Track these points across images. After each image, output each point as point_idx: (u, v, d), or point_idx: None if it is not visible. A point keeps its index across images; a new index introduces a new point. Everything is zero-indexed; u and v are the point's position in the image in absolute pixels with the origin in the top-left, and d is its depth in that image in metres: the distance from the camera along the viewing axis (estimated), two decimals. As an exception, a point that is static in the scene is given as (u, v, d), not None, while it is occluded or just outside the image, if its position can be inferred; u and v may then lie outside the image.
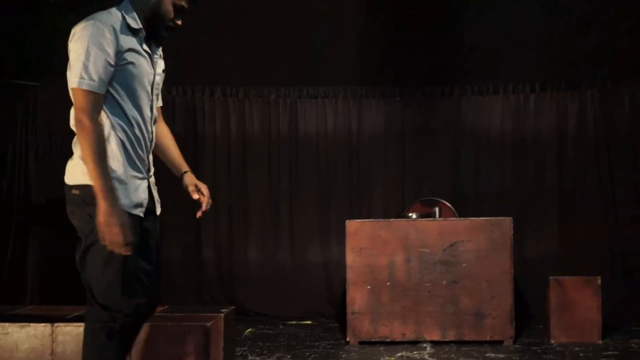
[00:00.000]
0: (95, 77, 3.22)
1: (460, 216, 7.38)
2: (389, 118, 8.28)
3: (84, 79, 3.21)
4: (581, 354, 5.98)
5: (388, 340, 6.46)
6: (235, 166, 8.19)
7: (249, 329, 7.19)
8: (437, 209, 7.10)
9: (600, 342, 6.39)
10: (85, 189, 3.26)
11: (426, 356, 5.99)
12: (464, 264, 6.43)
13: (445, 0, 8.14)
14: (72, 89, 3.24)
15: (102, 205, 3.15)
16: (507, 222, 6.46)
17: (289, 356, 6.03)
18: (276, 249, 8.17)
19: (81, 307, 3.82)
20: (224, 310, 5.55)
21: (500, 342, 6.39)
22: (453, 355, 6.01)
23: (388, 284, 6.47)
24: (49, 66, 7.26)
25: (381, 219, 6.88)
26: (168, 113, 8.21)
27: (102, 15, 3.33)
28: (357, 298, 6.47)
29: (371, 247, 6.49)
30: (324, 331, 7.16)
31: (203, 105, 8.28)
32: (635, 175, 8.04)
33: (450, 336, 6.43)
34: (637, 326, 7.16)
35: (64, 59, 3.35)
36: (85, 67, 3.21)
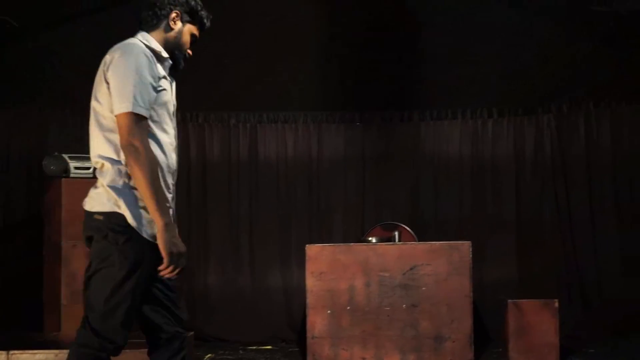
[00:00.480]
0: (144, 103, 3.25)
1: (419, 240, 7.43)
2: (349, 143, 8.33)
3: (135, 103, 3.22)
4: (539, 377, 6.03)
5: (348, 364, 6.46)
6: (195, 191, 8.17)
7: (209, 355, 7.14)
8: (397, 233, 7.14)
9: (558, 364, 6.46)
10: (111, 216, 3.27)
11: (386, 380, 6.00)
12: (423, 288, 6.46)
13: (406, 27, 8.24)
14: (123, 113, 3.22)
15: (164, 226, 3.19)
16: (466, 246, 6.51)
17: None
18: (236, 274, 8.15)
19: (35, 332, 3.78)
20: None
21: (459, 366, 6.42)
22: (413, 379, 6.02)
23: (348, 308, 6.47)
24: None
25: (341, 243, 6.91)
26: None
27: (134, 42, 3.39)
28: (317, 322, 6.46)
29: (331, 271, 6.50)
30: (284, 356, 7.14)
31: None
32: (591, 200, 8.16)
33: (410, 360, 6.46)
34: (594, 349, 7.23)
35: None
36: (136, 92, 3.22)
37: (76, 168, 6.99)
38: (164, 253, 3.21)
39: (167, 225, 3.21)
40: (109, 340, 3.27)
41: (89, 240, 3.35)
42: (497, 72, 8.28)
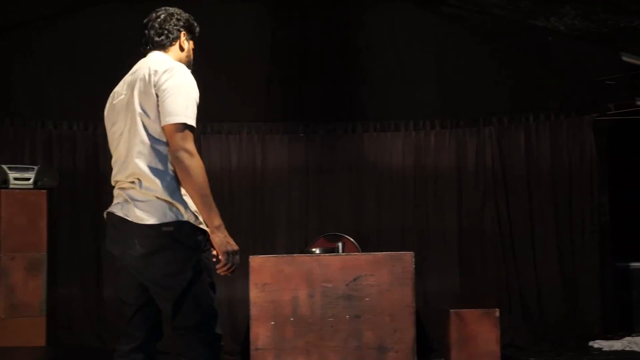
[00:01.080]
0: (194, 116, 3.48)
1: (363, 251, 7.46)
2: (292, 154, 8.34)
3: (187, 116, 3.43)
4: (481, 386, 6.10)
5: (292, 375, 6.46)
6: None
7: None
8: (340, 244, 7.16)
9: (499, 373, 6.53)
10: (179, 225, 3.42)
11: (330, 391, 6.01)
12: (366, 298, 6.49)
13: (349, 39, 8.31)
14: (176, 124, 3.39)
15: (218, 227, 3.45)
16: (408, 256, 6.55)
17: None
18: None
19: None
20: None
21: (402, 376, 6.46)
22: (356, 390, 6.04)
23: (292, 319, 6.47)
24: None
25: (285, 255, 6.90)
26: (70, 149, 8.09)
27: (176, 62, 3.63)
28: (260, 334, 6.45)
29: (275, 282, 6.49)
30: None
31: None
32: (531, 211, 8.28)
33: (354, 370, 6.47)
34: (534, 357, 7.34)
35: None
36: (187, 105, 3.45)
37: (15, 179, 6.89)
38: (220, 252, 3.45)
39: (221, 226, 3.44)
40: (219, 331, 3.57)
41: (149, 255, 3.41)
42: (440, 84, 8.40)
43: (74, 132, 8.12)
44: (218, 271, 3.46)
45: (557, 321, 8.13)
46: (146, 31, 3.75)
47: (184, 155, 3.37)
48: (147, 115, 3.45)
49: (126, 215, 3.45)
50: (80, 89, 8.00)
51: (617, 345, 7.71)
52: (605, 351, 7.58)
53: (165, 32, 3.72)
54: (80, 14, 8.01)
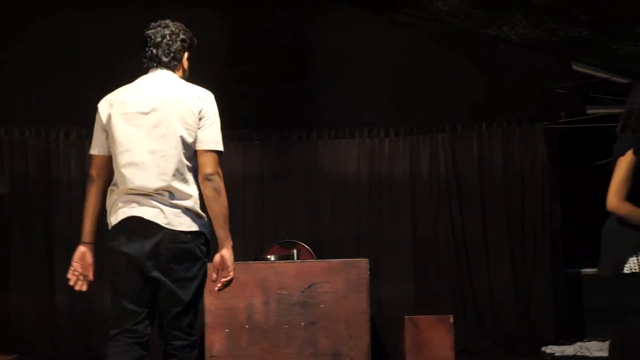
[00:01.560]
0: None
1: (318, 258, 7.47)
2: (247, 161, 8.31)
3: (221, 144, 3.92)
4: (435, 391, 6.13)
5: (247, 383, 6.44)
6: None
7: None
8: (295, 251, 7.16)
9: (453, 378, 6.58)
10: (197, 235, 3.85)
11: (285, 398, 6.00)
12: (321, 305, 6.50)
13: (304, 46, 8.32)
14: (216, 150, 3.88)
15: (231, 245, 3.92)
16: (363, 263, 6.58)
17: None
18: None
19: None
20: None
21: (357, 382, 6.48)
22: (311, 397, 6.03)
23: (247, 326, 6.45)
24: None
25: (239, 262, 6.85)
26: (21, 155, 7.99)
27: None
28: (215, 342, 6.42)
29: (229, 289, 6.38)
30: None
31: (57, 147, 8.08)
32: (484, 218, 8.36)
33: (309, 377, 6.47)
34: (487, 363, 7.42)
35: None
36: (220, 134, 3.92)
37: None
38: (230, 267, 3.90)
39: (231, 243, 3.91)
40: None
41: (171, 258, 3.76)
42: (394, 92, 8.44)
43: (25, 139, 8.02)
44: (221, 282, 3.92)
45: (510, 327, 8.20)
46: (152, 49, 3.99)
47: (217, 178, 3.84)
48: (186, 138, 3.82)
49: (155, 219, 3.76)
50: (32, 95, 7.92)
51: (569, 350, 7.81)
52: (558, 356, 7.68)
53: (172, 54, 4.01)
54: (34, 20, 7.92)
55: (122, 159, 3.83)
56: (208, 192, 3.84)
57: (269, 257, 6.97)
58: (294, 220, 8.30)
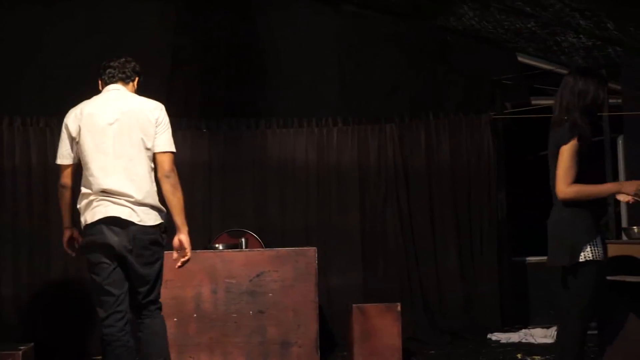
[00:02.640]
0: None
1: (266, 247, 7.47)
2: (195, 150, 8.26)
3: (173, 146, 4.83)
4: (383, 378, 6.18)
5: (195, 372, 6.42)
6: (37, 198, 7.87)
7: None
8: (243, 240, 7.14)
9: (400, 366, 6.64)
10: (159, 226, 4.78)
11: (233, 387, 5.99)
12: (270, 294, 6.51)
13: (253, 35, 8.29)
14: (170, 152, 4.77)
15: (187, 230, 4.84)
16: (311, 252, 6.60)
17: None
18: (81, 284, 7.90)
19: None
20: (22, 347, 5.34)
21: (306, 370, 6.50)
22: (260, 385, 6.04)
23: (195, 315, 6.43)
24: None
25: (188, 251, 6.82)
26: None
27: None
28: (163, 331, 6.38)
29: (177, 278, 6.44)
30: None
31: (2, 135, 7.94)
32: (431, 208, 8.44)
33: (257, 366, 6.48)
34: (434, 350, 7.48)
35: None
36: (171, 138, 4.84)
37: None
38: (187, 249, 4.85)
39: (186, 229, 4.82)
40: None
41: (144, 248, 4.69)
42: (342, 82, 8.46)
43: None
44: (179, 263, 4.92)
45: (456, 315, 8.31)
46: (110, 69, 4.89)
47: (174, 175, 4.73)
48: (146, 143, 4.70)
49: (129, 217, 4.62)
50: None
51: (514, 337, 7.94)
52: (503, 343, 7.79)
53: (127, 72, 4.92)
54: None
55: (94, 165, 4.64)
56: (167, 187, 4.70)
57: (217, 246, 6.95)
58: (242, 209, 8.28)
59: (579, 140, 4.52)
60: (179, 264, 4.90)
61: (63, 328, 7.61)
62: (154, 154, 4.72)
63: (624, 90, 7.95)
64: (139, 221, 4.63)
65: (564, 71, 8.61)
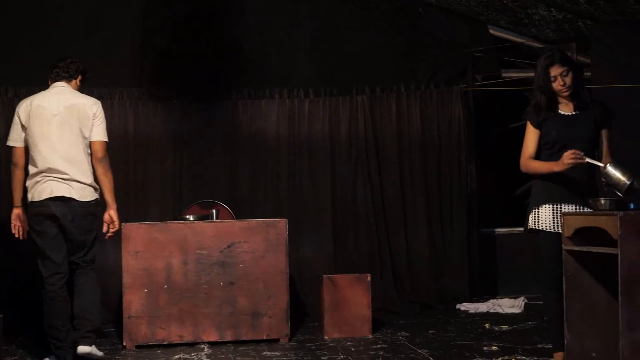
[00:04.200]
0: None
1: (237, 218, 7.47)
2: (166, 120, 8.21)
3: (106, 136, 5.82)
4: (352, 349, 6.23)
5: (165, 343, 6.44)
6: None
7: (20, 337, 6.91)
8: (214, 211, 7.13)
9: (370, 336, 6.69)
10: (97, 200, 5.79)
11: (204, 357, 6.03)
12: (240, 265, 6.52)
13: (224, 5, 8.23)
14: (103, 140, 5.77)
15: (115, 207, 5.83)
16: (282, 223, 6.61)
17: (62, 363, 5.84)
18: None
19: None
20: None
21: (276, 340, 6.53)
22: (230, 355, 6.07)
23: (165, 286, 6.44)
24: None
25: (158, 222, 6.83)
26: None
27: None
28: (133, 302, 6.40)
29: (148, 249, 6.44)
30: (99, 336, 6.95)
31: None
32: (402, 179, 8.47)
33: (228, 336, 6.50)
34: (403, 320, 7.55)
35: None
36: (105, 129, 5.82)
37: None
38: (116, 222, 5.86)
39: (115, 204, 5.84)
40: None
41: (81, 218, 5.68)
42: (314, 53, 8.45)
43: None
44: (109, 234, 5.89)
45: (426, 285, 8.38)
46: (56, 69, 5.86)
47: (106, 160, 5.77)
48: (84, 133, 5.70)
49: (71, 195, 5.59)
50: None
51: (482, 307, 8.03)
52: (472, 313, 7.89)
53: (70, 72, 5.86)
54: None
55: (41, 149, 5.61)
56: (100, 170, 5.74)
57: (187, 217, 6.93)
58: (213, 180, 8.27)
59: (526, 119, 5.07)
60: (110, 234, 5.89)
61: (32, 301, 7.57)
62: (90, 142, 5.72)
63: (593, 64, 8.00)
64: (78, 197, 5.62)
65: (535, 44, 8.68)
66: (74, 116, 5.66)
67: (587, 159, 4.80)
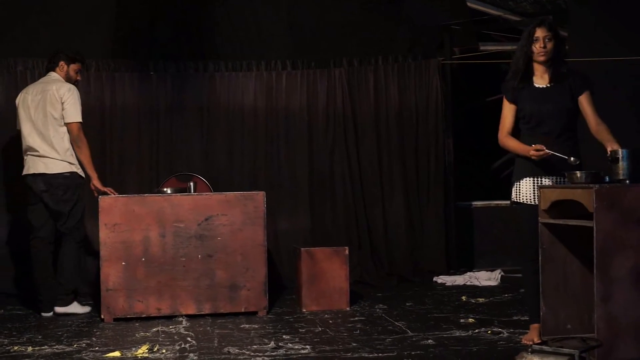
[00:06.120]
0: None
1: (214, 191, 7.46)
2: (142, 92, 8.15)
3: (80, 116, 6.61)
4: (330, 321, 6.26)
5: (144, 316, 6.43)
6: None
7: (1, 310, 6.90)
8: (192, 184, 7.09)
9: (348, 308, 6.72)
10: (73, 174, 6.61)
11: (182, 330, 6.02)
12: (218, 238, 6.52)
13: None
14: (77, 122, 6.59)
15: (96, 176, 6.64)
16: (260, 196, 6.61)
17: (40, 336, 5.84)
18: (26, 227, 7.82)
19: None
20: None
21: (254, 313, 6.55)
22: (209, 328, 6.08)
23: (143, 259, 6.42)
24: None
25: (135, 195, 6.79)
26: None
27: (64, 81, 6.72)
28: (111, 275, 6.38)
29: (125, 222, 6.41)
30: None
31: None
32: (379, 152, 8.49)
33: (206, 309, 6.51)
34: (381, 293, 7.60)
35: None
36: (79, 110, 6.61)
37: None
38: (101, 188, 6.59)
39: (97, 178, 6.67)
40: (81, 234, 6.82)
41: (56, 188, 6.57)
42: (291, 25, 8.40)
43: None
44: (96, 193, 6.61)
45: (403, 259, 8.43)
46: (47, 64, 6.80)
47: (79, 138, 6.57)
48: (55, 115, 6.55)
49: (44, 170, 6.51)
50: None
51: (459, 280, 8.09)
52: (448, 286, 7.94)
53: (53, 61, 6.75)
54: None
55: (23, 131, 6.65)
56: (76, 148, 6.57)
57: (165, 189, 6.91)
58: (190, 153, 8.25)
59: (506, 98, 5.18)
60: (96, 194, 6.66)
61: (21, 276, 7.58)
62: (65, 123, 6.56)
63: (571, 37, 8.02)
64: (49, 171, 6.53)
65: (513, 17, 8.69)
66: (46, 100, 6.55)
67: (551, 152, 4.87)
